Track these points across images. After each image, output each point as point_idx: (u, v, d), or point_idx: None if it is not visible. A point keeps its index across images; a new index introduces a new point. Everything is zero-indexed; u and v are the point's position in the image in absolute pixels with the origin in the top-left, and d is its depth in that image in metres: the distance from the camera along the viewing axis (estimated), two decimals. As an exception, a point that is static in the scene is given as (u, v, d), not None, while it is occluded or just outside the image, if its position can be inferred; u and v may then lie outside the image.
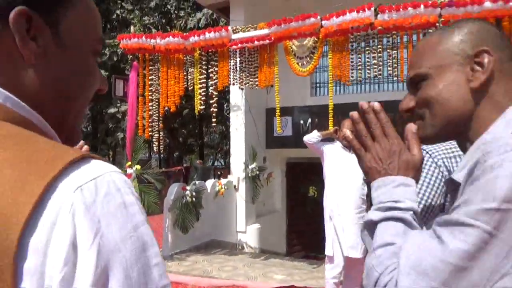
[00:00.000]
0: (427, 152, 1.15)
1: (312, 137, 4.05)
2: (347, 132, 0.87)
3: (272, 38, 4.60)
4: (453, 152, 1.14)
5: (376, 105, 0.83)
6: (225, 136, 16.32)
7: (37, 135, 0.41)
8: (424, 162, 1.13)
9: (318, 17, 4.35)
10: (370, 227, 0.77)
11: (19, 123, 0.41)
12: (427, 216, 1.11)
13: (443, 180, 1.11)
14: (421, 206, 1.10)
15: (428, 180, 1.12)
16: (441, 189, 1.11)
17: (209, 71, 4.96)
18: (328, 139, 4.23)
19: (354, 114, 0.84)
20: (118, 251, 0.37)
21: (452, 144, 1.16)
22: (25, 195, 0.34)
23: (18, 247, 0.33)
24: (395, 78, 4.64)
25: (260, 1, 7.49)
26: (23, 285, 0.33)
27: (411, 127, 0.83)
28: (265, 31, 4.62)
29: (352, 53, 4.50)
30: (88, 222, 0.36)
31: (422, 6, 3.84)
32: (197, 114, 5.30)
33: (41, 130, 0.43)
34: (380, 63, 4.37)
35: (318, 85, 8.92)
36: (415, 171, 0.79)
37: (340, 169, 3.88)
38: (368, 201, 4.29)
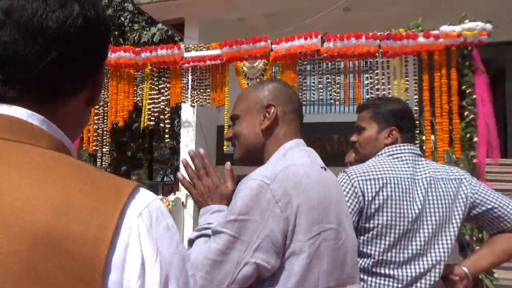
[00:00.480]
0: (347, 174, 1.30)
1: None
2: (178, 174, 1.20)
3: (224, 58, 4.72)
4: (368, 175, 1.29)
5: (201, 151, 1.14)
6: (176, 151, 16.12)
7: (86, 164, 0.49)
8: (343, 182, 1.32)
9: (269, 41, 4.53)
10: (191, 244, 1.03)
11: (57, 145, 0.50)
12: None
13: (356, 199, 1.26)
14: None
15: (346, 198, 1.26)
16: (356, 205, 1.26)
17: (160, 87, 4.97)
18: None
19: (183, 160, 1.14)
20: (171, 265, 0.47)
21: (369, 168, 1.31)
22: (105, 221, 0.42)
23: (105, 263, 0.41)
24: (338, 102, 4.89)
25: (215, 20, 7.65)
26: None
27: (227, 165, 1.16)
28: (217, 51, 4.73)
29: (300, 75, 4.71)
30: (150, 243, 0.45)
31: (363, 37, 4.13)
32: (142, 128, 5.27)
33: (68, 151, 0.52)
34: (327, 87, 4.61)
35: (268, 104, 9.15)
36: (228, 199, 1.08)
37: None
38: None
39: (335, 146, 7.48)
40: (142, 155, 17.84)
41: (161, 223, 0.48)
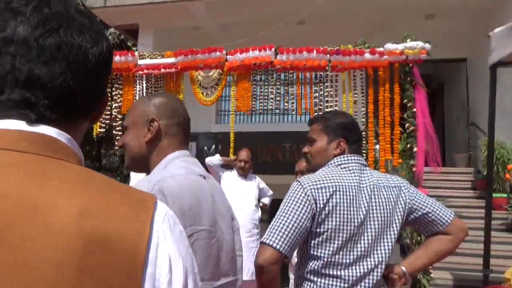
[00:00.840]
0: (300, 183, 1.40)
1: (214, 160, 4.25)
2: None
3: (179, 67, 4.73)
4: (320, 184, 1.40)
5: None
6: (126, 159, 15.63)
7: (108, 177, 0.58)
8: (297, 191, 1.42)
9: (224, 51, 4.61)
10: None
11: (79, 161, 0.58)
12: (296, 235, 1.33)
13: (309, 206, 1.36)
14: (291, 227, 1.32)
15: (298, 205, 1.36)
16: (309, 212, 1.35)
17: (113, 93, 4.88)
18: (227, 166, 4.45)
19: None
20: (187, 263, 0.57)
21: (320, 177, 1.42)
22: (141, 226, 0.53)
23: (144, 260, 0.51)
24: (293, 112, 5.06)
25: (170, 27, 7.61)
26: (146, 285, 0.51)
27: None
28: (171, 59, 4.73)
29: (254, 85, 4.83)
30: (173, 244, 0.56)
31: (314, 51, 4.32)
32: (94, 137, 5.15)
33: (80, 160, 0.60)
34: (278, 98, 4.75)
35: (223, 113, 9.21)
36: None
37: (233, 195, 4.11)
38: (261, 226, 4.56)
39: (287, 154, 7.66)
40: (90, 163, 17.17)
41: (177, 228, 0.58)
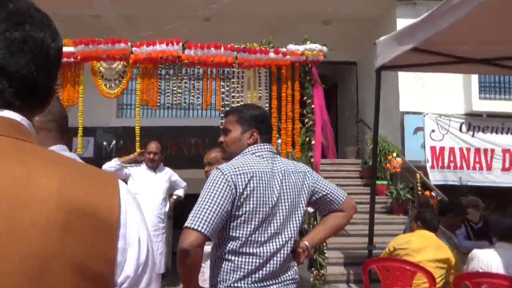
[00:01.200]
0: (220, 170, 1.51)
1: (111, 165, 4.01)
2: None
3: (79, 57, 4.48)
4: (239, 170, 1.53)
5: None
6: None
7: (72, 158, 0.64)
8: (217, 177, 1.51)
9: (129, 43, 4.49)
10: None
11: (35, 140, 0.63)
12: (219, 218, 1.44)
13: (230, 190, 1.47)
14: (214, 210, 1.42)
15: (219, 190, 1.47)
16: (229, 197, 1.47)
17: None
18: (135, 162, 4.33)
19: None
20: (146, 226, 0.67)
21: (238, 164, 1.55)
22: (112, 195, 0.62)
23: (117, 222, 0.60)
24: (199, 106, 5.11)
25: (67, 13, 7.07)
26: (118, 244, 0.60)
27: None
28: (70, 48, 4.46)
29: (161, 80, 4.78)
30: (137, 210, 0.66)
31: (222, 48, 4.45)
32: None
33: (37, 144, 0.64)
34: (186, 92, 4.78)
35: (125, 106, 8.84)
36: None
37: (141, 189, 4.03)
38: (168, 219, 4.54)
39: (192, 149, 7.68)
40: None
41: (135, 198, 0.68)
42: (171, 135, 7.39)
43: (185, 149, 7.66)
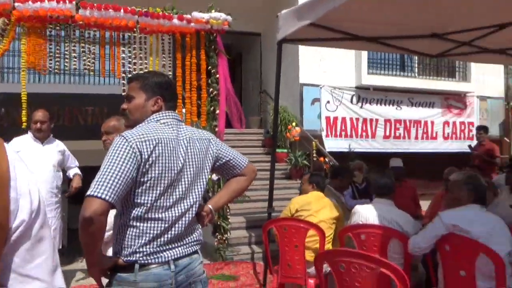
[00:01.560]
0: (124, 137, 1.49)
1: None
2: None
3: None
4: (144, 137, 1.53)
5: None
6: None
7: None
8: (121, 144, 1.50)
9: (11, -3, 3.98)
10: None
11: None
12: (123, 185, 1.44)
13: (135, 157, 1.47)
14: (119, 178, 1.41)
15: (124, 157, 1.46)
16: (134, 163, 1.47)
17: None
18: (22, 131, 3.95)
19: None
20: (35, 180, 0.75)
21: (143, 131, 1.54)
22: (1, 154, 0.70)
23: (8, 176, 0.69)
24: (93, 73, 4.72)
25: None
26: (11, 194, 0.68)
27: None
28: None
29: (51, 42, 4.35)
30: (22, 164, 0.74)
31: (122, 10, 4.19)
32: None
33: None
34: (82, 57, 4.42)
35: (7, 70, 7.88)
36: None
37: (28, 162, 3.67)
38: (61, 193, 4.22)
39: (89, 118, 7.20)
40: None
41: (21, 157, 0.77)
42: (64, 103, 6.82)
43: (80, 119, 7.14)
